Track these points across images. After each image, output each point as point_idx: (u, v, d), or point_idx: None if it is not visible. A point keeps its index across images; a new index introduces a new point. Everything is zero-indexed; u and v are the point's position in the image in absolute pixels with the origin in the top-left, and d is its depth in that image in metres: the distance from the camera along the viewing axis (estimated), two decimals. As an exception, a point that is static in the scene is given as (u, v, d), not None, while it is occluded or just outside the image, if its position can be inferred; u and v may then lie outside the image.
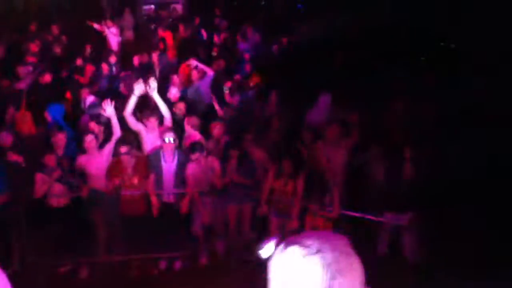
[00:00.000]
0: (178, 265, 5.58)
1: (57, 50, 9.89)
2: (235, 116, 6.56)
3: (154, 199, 5.43)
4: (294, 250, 0.95)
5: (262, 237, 5.33)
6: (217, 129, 5.91)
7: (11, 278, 1.89)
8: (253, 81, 7.72)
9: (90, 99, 6.98)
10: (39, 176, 5.31)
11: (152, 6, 13.04)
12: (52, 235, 5.44)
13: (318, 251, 0.93)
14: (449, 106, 6.37)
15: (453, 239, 4.77)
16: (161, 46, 9.94)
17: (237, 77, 7.84)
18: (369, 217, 4.89)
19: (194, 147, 5.43)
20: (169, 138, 5.37)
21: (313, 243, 0.94)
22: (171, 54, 9.71)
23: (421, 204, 4.80)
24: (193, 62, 7.92)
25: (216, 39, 10.06)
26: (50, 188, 5.34)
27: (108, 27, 10.72)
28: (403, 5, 9.55)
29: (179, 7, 12.86)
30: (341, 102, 6.69)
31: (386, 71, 7.57)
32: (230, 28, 10.75)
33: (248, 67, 8.26)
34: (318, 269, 0.92)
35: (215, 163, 5.49)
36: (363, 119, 6.04)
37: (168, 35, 10.46)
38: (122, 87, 7.53)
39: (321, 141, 5.65)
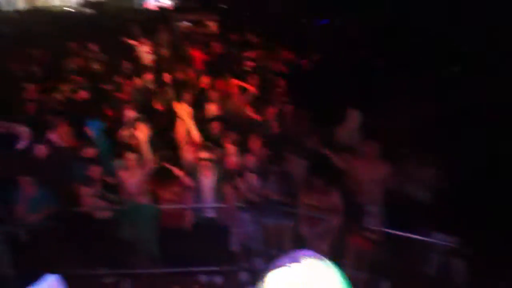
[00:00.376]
0: (218, 280, 5.62)
1: (96, 67, 10.27)
2: (272, 132, 6.61)
3: (187, 213, 5.53)
4: (278, 274, 1.01)
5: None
6: (256, 143, 5.96)
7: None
8: (285, 97, 7.77)
9: (130, 114, 7.14)
10: (83, 189, 5.47)
11: (187, 23, 13.38)
12: (96, 247, 5.60)
13: (297, 260, 1.00)
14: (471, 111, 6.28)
15: (502, 261, 4.61)
16: (195, 62, 10.19)
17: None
18: (414, 236, 4.76)
19: (233, 173, 5.49)
20: (205, 157, 5.46)
21: (287, 260, 1.02)
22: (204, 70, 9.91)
23: (469, 224, 4.67)
24: (234, 82, 8.05)
25: (249, 55, 10.20)
26: (95, 200, 5.50)
27: (141, 45, 11.06)
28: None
29: (213, 24, 13.18)
30: (369, 112, 6.67)
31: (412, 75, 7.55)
32: (262, 44, 10.92)
33: (281, 83, 8.30)
34: (308, 273, 0.99)
35: (254, 180, 5.52)
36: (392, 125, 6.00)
37: (199, 52, 10.72)
38: (157, 104, 7.72)
39: (358, 159, 5.55)
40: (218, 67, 9.18)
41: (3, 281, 5.30)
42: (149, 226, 5.58)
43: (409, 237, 4.72)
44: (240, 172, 5.54)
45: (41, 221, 5.39)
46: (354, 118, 6.68)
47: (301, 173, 5.60)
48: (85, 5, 34.65)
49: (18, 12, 31.90)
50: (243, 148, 6.02)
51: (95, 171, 5.54)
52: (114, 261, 5.68)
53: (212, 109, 7.27)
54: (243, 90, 7.77)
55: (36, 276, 4.83)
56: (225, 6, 15.11)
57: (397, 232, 4.78)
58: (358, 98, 6.95)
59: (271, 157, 5.67)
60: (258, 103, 7.28)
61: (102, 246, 5.58)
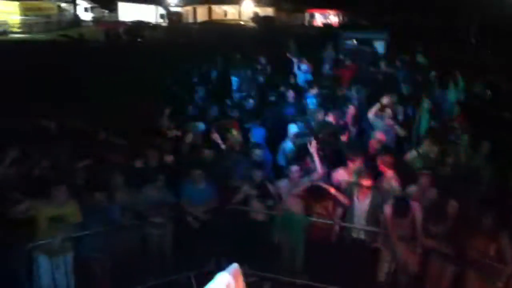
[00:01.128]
0: (357, 304, 5.41)
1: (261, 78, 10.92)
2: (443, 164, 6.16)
3: (336, 227, 5.49)
4: None
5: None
6: (425, 179, 5.56)
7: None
8: (459, 123, 7.17)
9: (293, 129, 7.36)
10: (245, 190, 5.81)
11: (355, 42, 13.41)
12: (245, 246, 5.86)
13: None
14: None
15: None
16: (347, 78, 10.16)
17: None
18: None
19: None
20: (362, 178, 5.35)
21: None
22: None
23: None
24: (386, 100, 7.77)
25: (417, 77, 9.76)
26: (252, 202, 5.79)
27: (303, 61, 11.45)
28: None
29: (380, 44, 12.98)
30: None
31: None
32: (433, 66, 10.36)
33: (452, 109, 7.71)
34: None
35: (417, 211, 5.17)
36: None
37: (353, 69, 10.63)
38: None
39: None
40: (384, 87, 8.95)
41: (165, 263, 5.90)
42: (298, 236, 5.68)
43: None
44: (402, 199, 5.23)
45: (204, 213, 5.85)
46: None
47: (470, 212, 5.08)
48: (256, 19, 37.35)
49: (196, 24, 35.90)
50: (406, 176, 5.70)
51: (258, 175, 5.84)
52: (259, 263, 5.88)
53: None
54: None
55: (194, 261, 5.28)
56: (395, 25, 14.75)
57: None
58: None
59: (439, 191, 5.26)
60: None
61: (251, 246, 5.86)
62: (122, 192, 5.64)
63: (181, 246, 6.00)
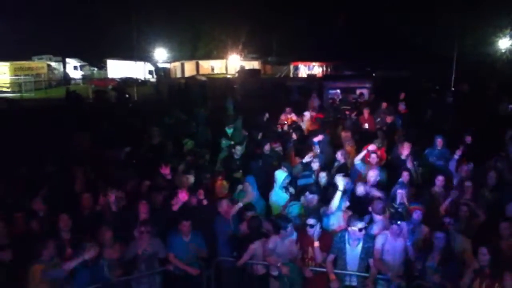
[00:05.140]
0: None
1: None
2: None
3: (332, 276, 5.33)
4: None
5: None
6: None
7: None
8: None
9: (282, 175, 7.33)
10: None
11: (338, 91, 13.77)
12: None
13: None
14: None
15: None
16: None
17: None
18: None
19: None
20: (355, 225, 5.31)
21: None
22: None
23: None
24: (372, 147, 7.94)
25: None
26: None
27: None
28: None
29: (365, 92, 13.35)
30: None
31: None
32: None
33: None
34: None
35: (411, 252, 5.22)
36: None
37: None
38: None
39: None
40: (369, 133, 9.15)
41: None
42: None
43: None
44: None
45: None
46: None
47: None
48: (242, 73, 38.27)
49: (184, 78, 36.53)
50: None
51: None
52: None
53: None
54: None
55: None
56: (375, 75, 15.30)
57: None
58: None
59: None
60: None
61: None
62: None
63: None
